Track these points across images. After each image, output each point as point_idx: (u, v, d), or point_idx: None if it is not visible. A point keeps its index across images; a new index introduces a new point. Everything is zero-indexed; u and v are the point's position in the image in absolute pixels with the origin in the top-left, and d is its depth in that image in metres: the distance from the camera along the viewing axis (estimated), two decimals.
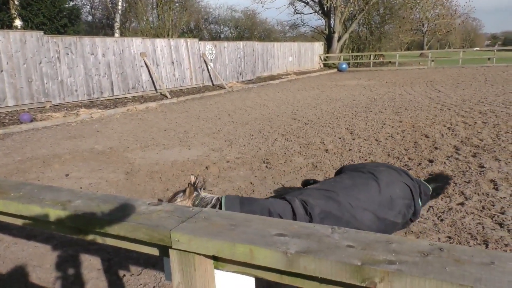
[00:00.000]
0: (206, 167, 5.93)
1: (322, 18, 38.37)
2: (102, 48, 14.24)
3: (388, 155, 6.12)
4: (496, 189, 4.43)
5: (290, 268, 1.05)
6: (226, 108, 12.40)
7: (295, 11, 42.74)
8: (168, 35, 28.90)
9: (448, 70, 23.34)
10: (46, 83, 12.41)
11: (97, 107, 12.84)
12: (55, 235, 3.77)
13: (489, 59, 26.49)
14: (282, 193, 3.30)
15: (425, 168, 5.34)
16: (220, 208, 2.57)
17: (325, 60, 32.39)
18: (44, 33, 13.06)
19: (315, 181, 3.20)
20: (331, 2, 32.94)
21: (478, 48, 38.70)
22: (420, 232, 3.53)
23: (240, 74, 21.78)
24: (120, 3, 29.65)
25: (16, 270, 3.24)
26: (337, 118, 9.49)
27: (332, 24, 35.37)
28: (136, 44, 15.58)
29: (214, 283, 1.29)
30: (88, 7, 40.01)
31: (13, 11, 18.04)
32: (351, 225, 2.56)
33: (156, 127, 9.60)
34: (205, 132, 8.69)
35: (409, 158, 5.85)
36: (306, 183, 3.29)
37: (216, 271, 1.28)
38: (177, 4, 33.17)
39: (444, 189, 3.44)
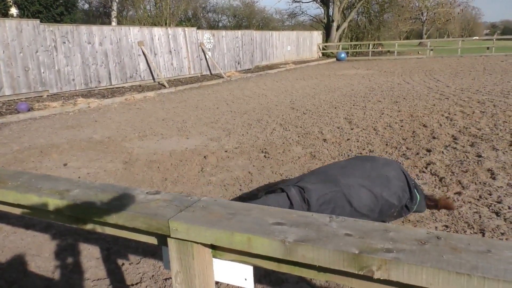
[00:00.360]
0: (205, 157, 5.93)
1: (320, 7, 38.08)
2: (99, 37, 14.12)
3: (386, 144, 6.13)
4: (493, 179, 4.45)
5: (288, 257, 1.05)
6: (225, 97, 12.36)
7: None
8: (165, 23, 28.66)
9: (447, 59, 23.27)
10: (43, 72, 12.33)
11: (95, 97, 12.79)
12: (54, 224, 3.78)
13: (488, 48, 26.42)
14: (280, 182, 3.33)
15: (422, 157, 5.36)
16: None
17: (323, 49, 32.23)
18: (41, 21, 12.92)
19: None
20: None
21: (477, 37, 38.57)
22: (417, 221, 3.55)
23: (239, 63, 21.67)
24: None
25: (15, 259, 3.26)
26: (335, 108, 9.47)
27: (331, 13, 35.13)
28: (134, 33, 15.45)
29: (213, 272, 1.30)
30: None
31: None
32: (350, 205, 2.58)
33: (154, 116, 9.58)
34: (203, 121, 8.67)
35: (407, 148, 5.86)
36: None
37: (214, 259, 1.29)
38: None
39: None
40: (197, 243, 1.20)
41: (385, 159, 2.95)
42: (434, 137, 6.35)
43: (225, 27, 45.68)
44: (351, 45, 33.92)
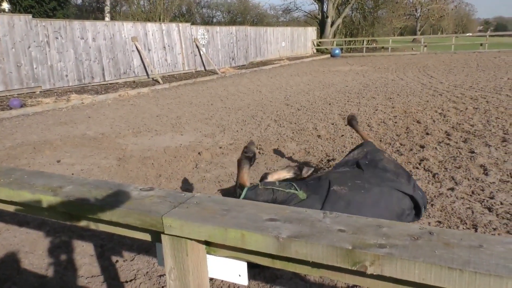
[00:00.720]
0: (199, 153, 5.92)
1: (315, 3, 38.03)
2: (93, 32, 14.01)
3: (380, 140, 6.15)
4: (486, 174, 4.49)
5: (282, 253, 1.06)
6: (219, 93, 12.34)
7: None
8: (159, 19, 28.50)
9: (440, 56, 23.36)
10: (36, 68, 12.22)
11: (88, 93, 12.70)
12: (47, 221, 3.76)
13: (481, 44, 26.56)
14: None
15: (416, 153, 5.39)
16: None
17: (318, 45, 32.22)
18: (33, 16, 12.80)
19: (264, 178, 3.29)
20: None
21: (470, 34, 38.76)
22: None
23: (233, 59, 21.61)
24: None
25: (8, 256, 3.24)
26: (329, 104, 9.49)
27: (325, 9, 35.10)
28: (127, 28, 15.35)
29: (206, 268, 1.30)
30: None
31: None
32: None
33: (148, 112, 9.54)
34: (197, 117, 8.65)
35: (400, 144, 5.89)
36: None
37: (208, 256, 1.29)
38: None
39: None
40: (191, 239, 1.20)
41: (380, 189, 2.94)
42: (427, 133, 6.38)
43: (219, 23, 45.52)
44: (345, 41, 33.95)
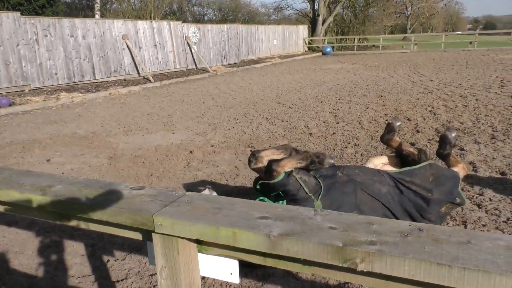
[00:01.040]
0: (191, 152, 5.91)
1: (306, 1, 38.12)
2: (82, 30, 13.88)
3: (371, 138, 6.19)
4: (475, 171, 4.54)
5: (273, 251, 1.06)
6: (210, 92, 12.30)
7: None
8: (150, 17, 28.28)
9: (430, 54, 23.54)
10: (25, 66, 12.08)
11: (78, 91, 12.59)
12: (37, 221, 3.72)
13: (470, 43, 26.81)
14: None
15: None
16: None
17: (309, 43, 32.28)
18: (21, 14, 12.64)
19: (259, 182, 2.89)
20: None
21: (460, 32, 39.05)
22: None
23: (224, 57, 21.56)
24: None
25: None
26: (321, 102, 9.51)
27: (316, 7, 35.18)
28: (118, 26, 15.23)
29: (198, 267, 1.30)
30: None
31: None
32: None
33: (139, 111, 9.48)
34: (189, 116, 8.62)
35: None
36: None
37: (199, 254, 1.29)
38: None
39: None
40: (182, 238, 1.20)
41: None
42: (418, 131, 6.43)
43: (210, 21, 45.39)
44: (336, 39, 34.05)
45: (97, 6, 29.07)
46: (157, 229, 1.20)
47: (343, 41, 34.11)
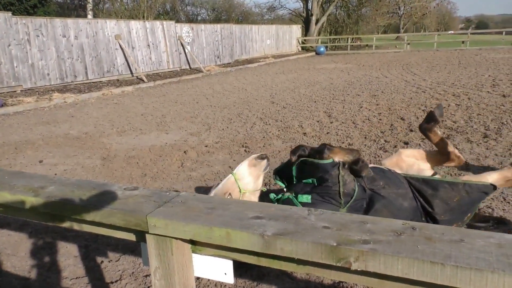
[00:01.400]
0: (185, 152, 5.89)
1: (299, 1, 38.18)
2: (75, 30, 13.79)
3: (365, 137, 6.21)
4: (467, 170, 4.57)
5: (267, 250, 1.06)
6: (204, 92, 12.28)
7: None
8: (143, 17, 28.16)
9: (423, 53, 23.67)
10: (16, 67, 11.97)
11: (71, 91, 12.51)
12: (30, 222, 3.69)
13: (463, 42, 26.99)
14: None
15: None
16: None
17: (303, 43, 32.33)
18: (13, 14, 12.53)
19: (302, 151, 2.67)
20: None
21: (452, 32, 39.33)
22: None
23: (218, 57, 21.53)
24: None
25: None
26: (315, 102, 9.53)
27: (309, 7, 35.23)
28: (110, 26, 15.15)
29: (192, 267, 1.29)
30: None
31: None
32: None
33: (132, 111, 9.44)
34: (183, 116, 8.60)
35: (385, 141, 5.95)
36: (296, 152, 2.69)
37: (194, 255, 1.28)
38: None
39: None
40: (176, 238, 1.20)
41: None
42: (411, 130, 6.46)
43: (204, 21, 45.29)
44: (330, 39, 34.14)
45: (90, 6, 28.91)
46: (151, 229, 1.20)
47: (336, 41, 34.20)
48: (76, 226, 1.44)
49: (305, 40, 32.75)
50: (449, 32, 39.22)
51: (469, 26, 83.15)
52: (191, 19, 45.72)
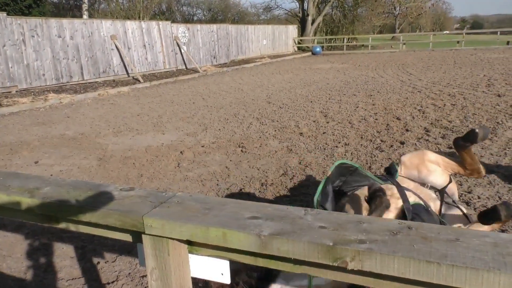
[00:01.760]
0: (181, 152, 5.88)
1: (295, 1, 38.18)
2: (70, 30, 13.73)
3: (361, 137, 6.23)
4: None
5: (263, 250, 1.06)
6: (201, 92, 12.27)
7: None
8: (139, 17, 28.09)
9: (419, 53, 23.76)
10: (11, 67, 11.91)
11: (67, 92, 12.46)
12: (26, 224, 3.68)
13: (458, 42, 27.11)
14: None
15: (396, 150, 5.47)
16: None
17: (299, 43, 32.36)
18: (7, 14, 12.47)
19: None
20: None
21: (447, 32, 39.48)
22: None
23: (214, 57, 21.51)
24: None
25: None
26: (311, 102, 9.54)
27: (305, 7, 35.27)
28: (106, 26, 15.10)
29: (189, 268, 1.29)
30: None
31: None
32: None
33: (129, 112, 9.42)
34: (179, 116, 8.59)
35: (381, 141, 5.97)
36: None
37: (190, 255, 1.28)
38: None
39: None
40: (173, 239, 1.19)
41: None
42: (407, 130, 6.48)
43: (200, 21, 45.26)
44: (326, 39, 34.17)
45: (85, 6, 28.81)
46: (147, 230, 1.20)
47: (332, 41, 34.25)
48: (72, 227, 1.43)
49: (301, 40, 32.78)
50: (444, 32, 39.35)
51: (464, 26, 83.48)
52: (187, 19, 45.68)
